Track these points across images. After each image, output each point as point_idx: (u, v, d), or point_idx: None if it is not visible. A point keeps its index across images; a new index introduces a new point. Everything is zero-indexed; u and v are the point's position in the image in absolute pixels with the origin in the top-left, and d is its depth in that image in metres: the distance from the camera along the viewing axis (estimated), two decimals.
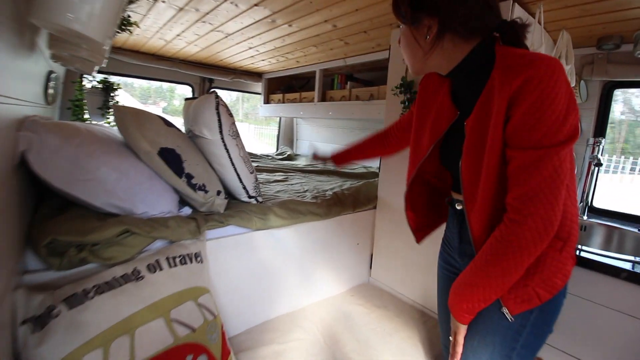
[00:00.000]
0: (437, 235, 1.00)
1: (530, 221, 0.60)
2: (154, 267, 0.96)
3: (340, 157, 1.37)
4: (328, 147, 3.34)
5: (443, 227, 1.00)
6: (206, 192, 1.22)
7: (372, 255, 1.85)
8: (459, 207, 0.84)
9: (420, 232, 1.01)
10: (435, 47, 0.71)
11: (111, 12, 0.60)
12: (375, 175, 2.32)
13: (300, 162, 3.02)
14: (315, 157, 1.45)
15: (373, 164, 2.84)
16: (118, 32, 1.09)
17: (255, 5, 1.45)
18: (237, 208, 1.33)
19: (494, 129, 0.63)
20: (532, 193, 0.59)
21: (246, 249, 1.31)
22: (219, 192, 1.28)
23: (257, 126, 12.14)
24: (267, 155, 3.30)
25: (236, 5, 1.47)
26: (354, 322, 1.43)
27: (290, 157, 3.29)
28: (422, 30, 0.71)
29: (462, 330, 0.75)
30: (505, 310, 0.71)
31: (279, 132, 3.79)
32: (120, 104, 2.29)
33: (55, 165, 0.94)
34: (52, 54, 0.94)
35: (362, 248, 1.80)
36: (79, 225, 0.94)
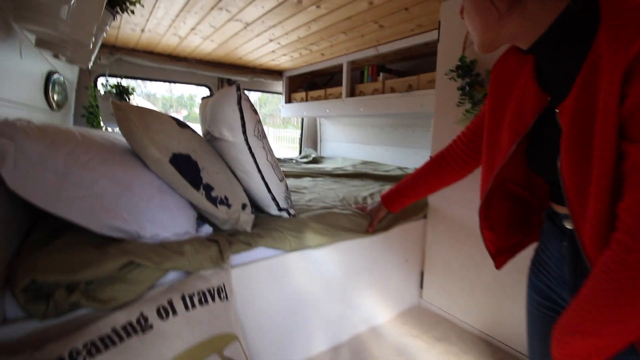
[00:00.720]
0: None
1: None
2: (165, 312, 0.73)
3: (395, 202, 1.20)
4: (357, 147, 3.07)
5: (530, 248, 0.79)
6: (229, 206, 1.00)
7: (422, 273, 1.57)
8: (569, 226, 0.60)
9: (501, 255, 0.81)
10: (514, 7, 0.54)
11: None
12: None
13: (328, 165, 2.77)
14: (363, 209, 1.32)
15: (411, 163, 2.55)
16: (117, 13, 0.90)
17: None
18: (266, 225, 1.09)
19: (604, 114, 0.45)
20: None
21: (278, 275, 1.07)
22: (244, 206, 1.05)
23: (275, 129, 12.05)
24: (291, 159, 3.08)
25: None
26: None
27: (315, 160, 3.04)
28: None
29: None
30: None
31: (301, 133, 3.56)
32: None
33: (39, 179, 0.73)
34: (36, 39, 0.74)
35: (411, 265, 1.52)
36: (69, 258, 0.73)
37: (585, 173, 0.50)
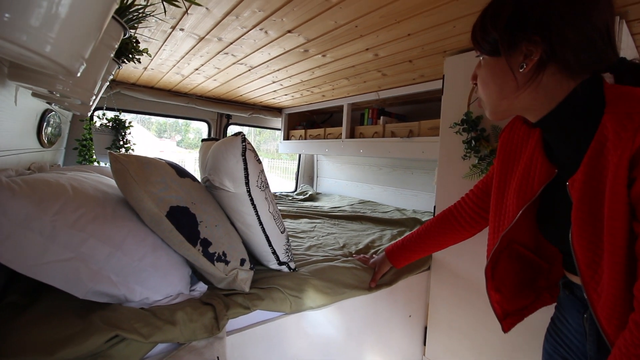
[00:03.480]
0: None
1: None
2: None
3: (401, 257, 1.16)
4: (354, 185, 3.05)
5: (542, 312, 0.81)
6: (227, 263, 0.93)
7: (426, 329, 1.48)
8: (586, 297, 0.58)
9: (509, 318, 0.81)
10: (531, 82, 0.56)
11: (87, 18, 0.34)
12: (416, 222, 1.99)
13: (325, 204, 2.72)
14: (366, 261, 1.27)
15: (409, 205, 2.52)
16: (124, 63, 0.87)
17: (289, 32, 1.23)
18: (265, 282, 1.02)
19: (612, 195, 0.47)
20: None
21: (276, 341, 0.98)
22: (243, 261, 0.98)
23: (270, 159, 12.09)
24: (287, 195, 3.03)
25: (266, 32, 1.25)
26: None
27: (312, 197, 3.00)
28: (516, 58, 0.56)
29: None
30: None
31: (298, 168, 3.54)
32: (124, 150, 2.08)
33: (22, 243, 0.66)
34: (32, 92, 0.70)
35: (414, 320, 1.44)
36: (47, 334, 0.64)
37: (597, 247, 0.51)
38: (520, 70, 0.55)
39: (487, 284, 0.77)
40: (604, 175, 0.49)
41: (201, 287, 0.96)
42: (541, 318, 0.82)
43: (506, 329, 0.80)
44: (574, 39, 0.52)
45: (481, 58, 0.62)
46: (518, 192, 0.66)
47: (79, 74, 0.39)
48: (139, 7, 0.66)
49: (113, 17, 0.55)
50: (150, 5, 0.69)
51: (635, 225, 0.46)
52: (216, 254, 0.91)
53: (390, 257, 1.17)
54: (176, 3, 0.59)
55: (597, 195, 0.50)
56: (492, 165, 0.90)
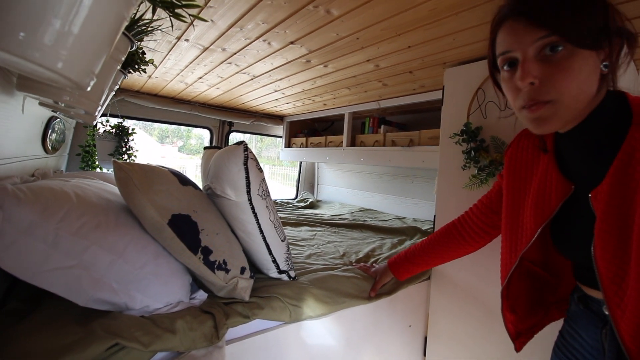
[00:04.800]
0: None
1: None
2: None
3: (402, 269, 1.15)
4: (355, 193, 3.05)
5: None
6: (227, 271, 0.93)
7: (426, 339, 1.47)
8: (608, 312, 0.56)
9: (521, 337, 0.79)
10: (600, 86, 0.52)
11: (98, 36, 0.36)
12: (417, 231, 1.99)
13: (325, 212, 2.73)
14: (367, 270, 1.26)
15: (409, 213, 2.53)
16: (130, 73, 0.89)
17: (292, 43, 1.25)
18: (265, 290, 1.02)
19: None
20: None
21: (275, 351, 0.98)
22: (243, 270, 0.98)
23: (270, 166, 12.13)
24: (288, 203, 3.03)
25: (269, 43, 1.27)
26: None
27: (312, 205, 3.00)
28: (600, 56, 0.50)
29: None
30: None
31: (299, 176, 3.55)
32: (126, 156, 2.10)
33: (25, 250, 0.67)
34: (39, 102, 0.72)
35: (414, 330, 1.44)
36: (48, 341, 0.65)
37: (622, 261, 0.49)
38: (605, 70, 0.50)
39: (502, 305, 0.75)
40: (632, 187, 0.48)
41: (201, 296, 0.96)
42: (546, 330, 0.81)
43: (519, 348, 0.78)
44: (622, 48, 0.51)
45: (559, 48, 0.48)
46: (535, 210, 0.65)
47: (89, 89, 0.40)
48: (146, 20, 0.68)
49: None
50: (157, 19, 0.71)
51: None
52: (217, 262, 0.91)
53: (393, 269, 1.17)
54: (183, 19, 0.61)
55: (623, 207, 0.49)
56: (496, 181, 0.90)
